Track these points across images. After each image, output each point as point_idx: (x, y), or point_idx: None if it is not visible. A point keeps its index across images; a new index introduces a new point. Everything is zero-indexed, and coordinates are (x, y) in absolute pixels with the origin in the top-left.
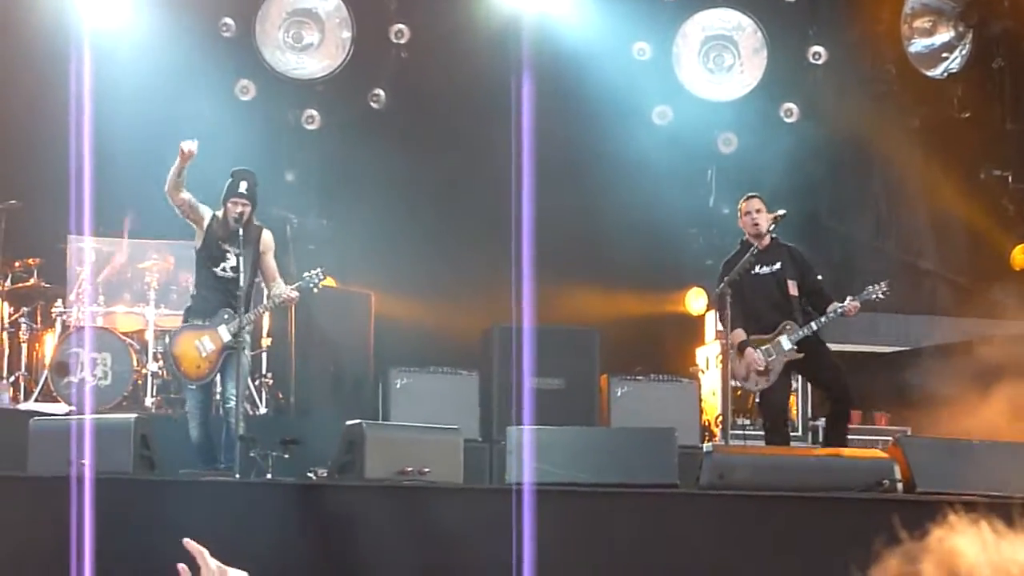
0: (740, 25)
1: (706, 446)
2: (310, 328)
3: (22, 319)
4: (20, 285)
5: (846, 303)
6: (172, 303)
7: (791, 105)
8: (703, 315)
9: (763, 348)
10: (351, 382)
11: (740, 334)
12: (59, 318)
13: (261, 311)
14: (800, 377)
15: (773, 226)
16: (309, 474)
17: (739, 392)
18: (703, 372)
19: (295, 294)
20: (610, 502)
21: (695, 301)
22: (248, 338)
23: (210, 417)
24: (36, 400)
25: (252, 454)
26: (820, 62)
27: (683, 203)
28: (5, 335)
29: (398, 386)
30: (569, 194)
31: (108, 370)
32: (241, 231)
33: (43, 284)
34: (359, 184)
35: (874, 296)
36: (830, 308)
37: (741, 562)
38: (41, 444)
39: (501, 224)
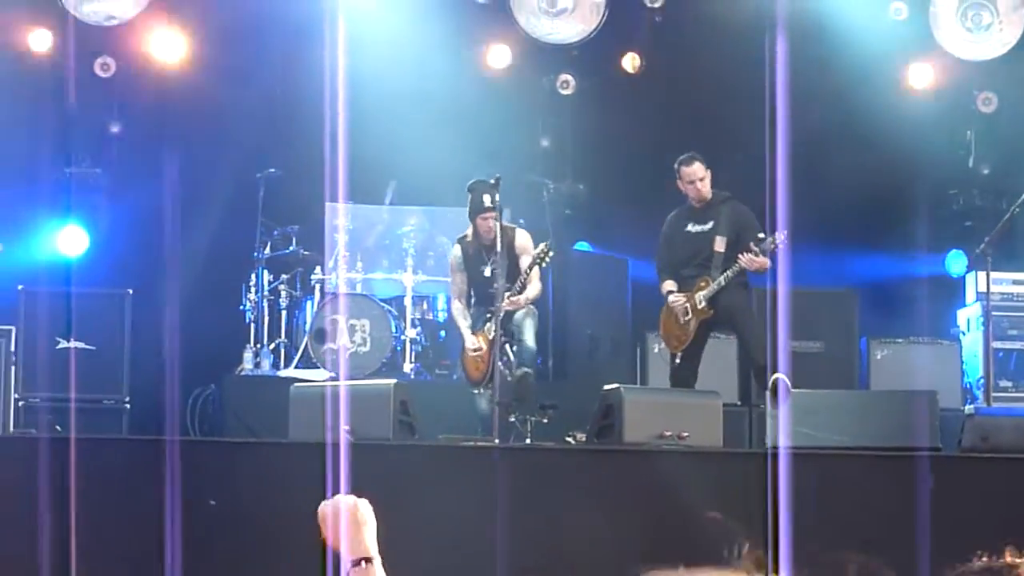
0: None
1: (968, 408)
2: (567, 292)
3: (282, 286)
4: (280, 252)
5: (743, 257)
6: (429, 269)
7: None
8: (963, 277)
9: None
10: (608, 346)
11: (669, 284)
12: (318, 285)
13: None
14: None
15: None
16: (568, 438)
17: (1002, 354)
18: (964, 334)
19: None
20: (870, 465)
21: (955, 263)
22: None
23: None
24: (297, 367)
25: (512, 419)
26: None
27: (942, 164)
28: (266, 302)
29: (656, 351)
30: (825, 155)
31: (367, 336)
32: (499, 244)
33: (302, 251)
34: (614, 149)
35: (772, 247)
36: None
37: (1006, 527)
38: (302, 410)
39: (757, 187)
